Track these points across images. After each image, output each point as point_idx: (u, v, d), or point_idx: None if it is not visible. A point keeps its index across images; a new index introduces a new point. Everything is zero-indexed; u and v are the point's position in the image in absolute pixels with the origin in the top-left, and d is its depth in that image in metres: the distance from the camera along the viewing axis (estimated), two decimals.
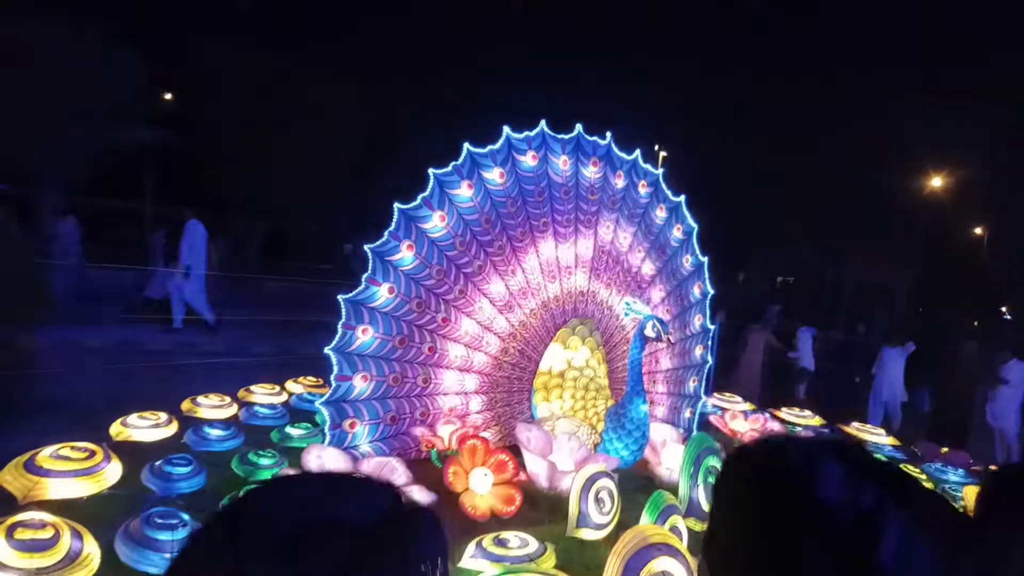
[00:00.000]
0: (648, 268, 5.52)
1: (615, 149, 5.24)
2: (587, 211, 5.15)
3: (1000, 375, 7.78)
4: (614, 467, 4.25)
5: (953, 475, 5.64)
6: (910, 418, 9.00)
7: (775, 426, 5.81)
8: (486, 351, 4.79)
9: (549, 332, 5.03)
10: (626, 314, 4.92)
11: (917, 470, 5.40)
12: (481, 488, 3.86)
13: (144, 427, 4.23)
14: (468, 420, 4.69)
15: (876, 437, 6.42)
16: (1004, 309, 24.94)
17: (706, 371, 5.83)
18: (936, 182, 24.25)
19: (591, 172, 5.15)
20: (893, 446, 6.26)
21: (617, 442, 4.60)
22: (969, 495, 4.74)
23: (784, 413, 6.67)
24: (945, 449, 6.33)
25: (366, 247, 4.36)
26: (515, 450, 4.29)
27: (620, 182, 5.30)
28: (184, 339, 9.30)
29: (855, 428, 6.56)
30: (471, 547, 3.19)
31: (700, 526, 3.79)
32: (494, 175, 4.74)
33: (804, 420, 6.55)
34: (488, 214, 4.72)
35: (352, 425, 4.24)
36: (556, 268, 5.04)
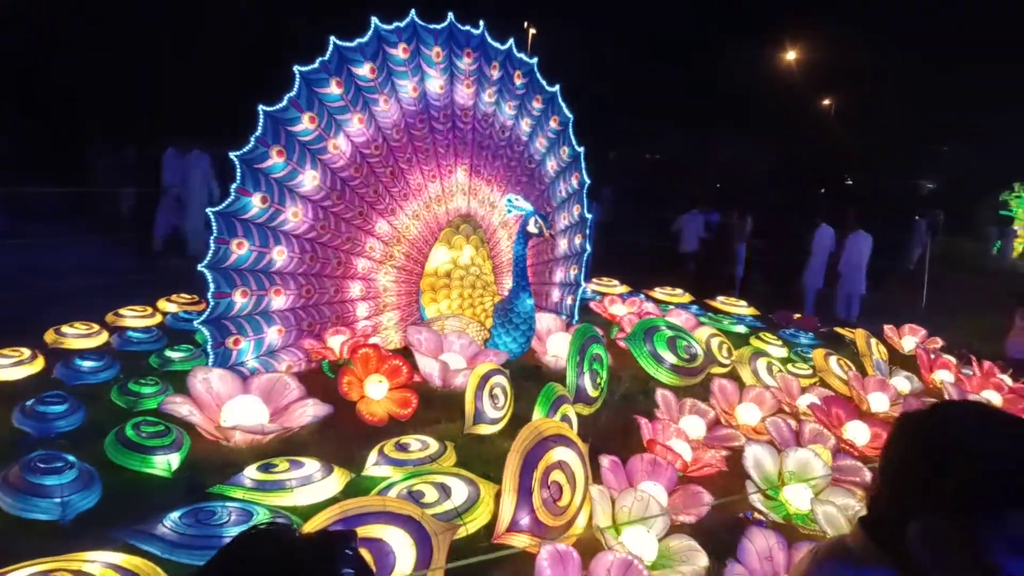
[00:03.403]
0: (527, 162, 5.53)
1: (488, 39, 5.07)
2: (463, 106, 5.03)
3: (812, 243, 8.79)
4: (504, 360, 4.42)
5: (804, 338, 6.31)
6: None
7: (650, 307, 6.19)
8: (370, 257, 4.71)
9: (433, 233, 5.00)
10: (508, 211, 4.96)
11: (774, 335, 5.99)
12: (377, 394, 3.92)
13: (6, 365, 3.91)
14: (358, 328, 4.67)
15: (738, 308, 7.00)
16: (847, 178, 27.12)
17: (585, 259, 6.04)
18: (790, 56, 25.39)
19: (465, 64, 4.98)
20: (752, 316, 6.87)
21: (506, 336, 4.77)
22: (817, 356, 5.35)
23: (657, 293, 7.11)
24: (797, 316, 7.04)
25: (232, 155, 4.07)
26: (408, 353, 4.34)
27: (495, 73, 5.18)
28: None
29: (720, 302, 7.11)
30: (373, 455, 3.27)
31: (588, 410, 4.07)
32: (364, 71, 4.49)
33: (675, 298, 7.02)
34: (361, 113, 4.50)
35: (236, 342, 4.11)
36: (435, 167, 4.94)
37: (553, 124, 5.64)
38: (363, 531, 2.26)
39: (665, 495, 3.11)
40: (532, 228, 4.76)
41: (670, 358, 4.71)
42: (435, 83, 4.85)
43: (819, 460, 3.50)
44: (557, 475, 2.76)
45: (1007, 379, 5.31)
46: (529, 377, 4.62)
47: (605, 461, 3.14)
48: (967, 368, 5.58)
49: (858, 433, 4.12)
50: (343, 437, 3.59)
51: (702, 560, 2.73)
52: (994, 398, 4.94)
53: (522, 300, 4.71)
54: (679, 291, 7.20)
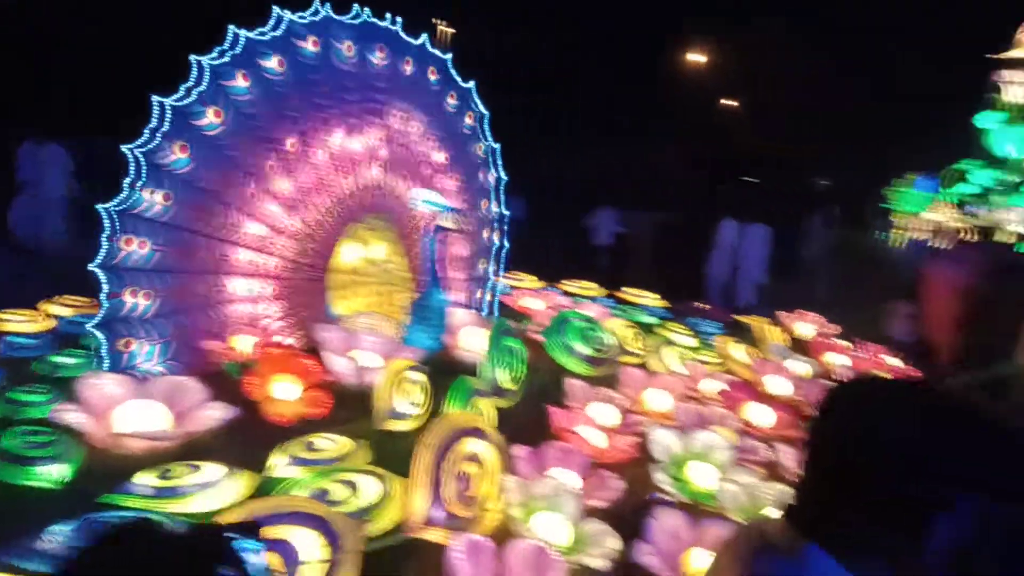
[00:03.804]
0: (441, 157, 5.50)
1: (402, 34, 5.01)
2: (377, 101, 4.95)
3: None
4: (419, 356, 4.39)
5: (710, 327, 6.56)
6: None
7: (563, 300, 6.29)
8: (280, 254, 4.57)
9: (343, 230, 4.90)
10: (423, 207, 4.93)
11: (681, 325, 6.20)
12: (286, 395, 3.81)
13: None
14: (268, 327, 4.52)
15: (646, 300, 7.20)
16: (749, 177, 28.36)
17: (500, 254, 6.07)
18: (698, 56, 26.33)
19: (378, 59, 4.90)
20: (663, 307, 7.09)
21: (420, 332, 4.74)
22: (721, 343, 5.58)
23: (570, 286, 7.22)
24: (704, 306, 7.32)
25: (124, 148, 3.86)
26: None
27: (409, 68, 5.12)
28: None
29: (627, 293, 7.29)
30: (281, 456, 3.18)
31: (505, 403, 4.10)
32: (273, 64, 4.35)
33: (587, 291, 7.15)
34: (270, 107, 4.36)
35: (128, 345, 3.90)
36: (348, 162, 4.85)
37: (468, 120, 5.63)
38: (270, 532, 2.20)
39: (578, 481, 3.17)
40: (446, 223, 4.75)
41: (582, 349, 4.80)
42: (347, 78, 4.75)
43: (723, 441, 3.65)
44: (469, 466, 2.76)
45: (894, 360, 5.70)
46: (443, 372, 4.60)
47: (518, 451, 3.17)
48: (858, 351, 5.95)
49: (759, 415, 4.33)
50: (250, 440, 3.46)
51: (614, 542, 2.80)
52: None
53: (435, 295, 4.69)
54: (591, 284, 7.34)
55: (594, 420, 3.89)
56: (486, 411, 3.55)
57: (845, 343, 5.97)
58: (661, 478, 3.42)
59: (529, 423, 3.90)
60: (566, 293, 6.87)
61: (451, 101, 5.47)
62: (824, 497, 1.09)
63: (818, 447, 1.13)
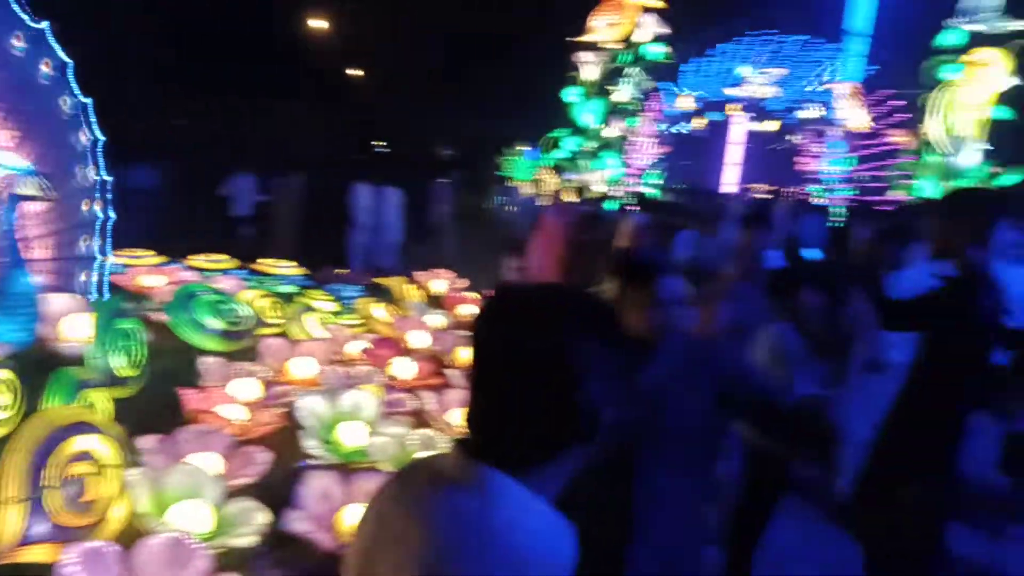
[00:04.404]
0: (11, 113, 4.49)
1: None
2: None
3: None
4: (4, 351, 3.61)
5: (351, 291, 6.62)
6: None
7: (189, 275, 5.74)
8: None
9: None
10: None
11: (322, 292, 6.14)
12: None
13: None
14: None
15: (286, 269, 6.98)
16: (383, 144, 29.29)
17: (106, 228, 5.25)
18: (328, 28, 26.12)
19: None
20: (300, 275, 6.93)
21: (4, 323, 3.88)
22: (363, 305, 5.68)
23: (198, 260, 6.62)
24: (343, 271, 7.36)
25: None
26: None
27: None
28: None
29: (264, 264, 6.98)
30: None
31: (125, 392, 3.60)
32: None
33: (219, 264, 6.64)
34: None
35: None
36: None
37: (45, 68, 4.68)
38: None
39: (220, 462, 2.95)
40: (27, 190, 3.93)
41: (215, 324, 4.45)
42: None
43: (370, 398, 3.73)
44: (81, 467, 2.37)
45: None
46: (45, 368, 3.86)
47: (145, 442, 2.82)
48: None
49: (403, 368, 4.53)
50: None
51: (263, 517, 2.68)
52: None
53: (17, 279, 3.88)
54: (222, 257, 6.83)
55: (235, 396, 3.65)
56: (100, 404, 3.08)
57: (473, 295, 6.57)
58: (311, 444, 3.37)
59: (158, 410, 3.50)
60: (192, 268, 6.28)
61: (16, 43, 4.48)
62: (491, 417, 1.10)
63: (478, 363, 1.13)
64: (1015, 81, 15.66)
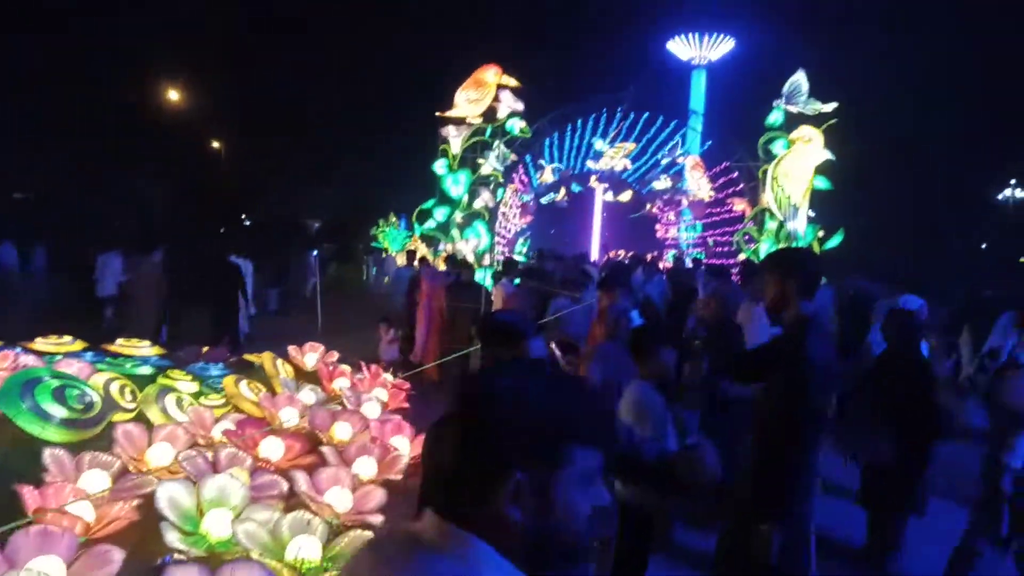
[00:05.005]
0: None
1: None
2: None
3: None
4: None
5: (214, 370, 6.28)
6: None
7: (28, 359, 5.25)
8: None
9: None
10: None
11: (183, 372, 5.79)
12: None
13: None
14: None
15: (140, 350, 6.54)
16: (244, 216, 28.46)
17: None
18: (174, 96, 25.32)
19: None
20: (158, 355, 6.50)
21: None
22: (228, 383, 5.41)
23: (40, 344, 6.08)
24: (206, 349, 6.97)
25: None
26: None
27: None
28: None
29: (119, 345, 6.51)
30: None
31: None
32: None
33: (64, 347, 6.13)
34: None
35: None
36: None
37: None
38: None
39: (62, 567, 2.69)
40: None
41: (59, 412, 4.09)
42: None
43: (237, 482, 3.55)
44: None
45: (389, 376, 6.38)
46: None
47: None
48: (359, 373, 6.47)
49: (273, 449, 4.34)
50: None
51: None
52: (381, 394, 5.87)
53: None
54: (67, 338, 6.30)
55: (85, 491, 3.35)
56: None
57: (345, 367, 6.43)
58: (172, 537, 3.14)
59: None
60: (34, 352, 5.74)
61: None
62: (475, 487, 1.08)
63: (468, 436, 1.12)
64: (829, 156, 17.85)
